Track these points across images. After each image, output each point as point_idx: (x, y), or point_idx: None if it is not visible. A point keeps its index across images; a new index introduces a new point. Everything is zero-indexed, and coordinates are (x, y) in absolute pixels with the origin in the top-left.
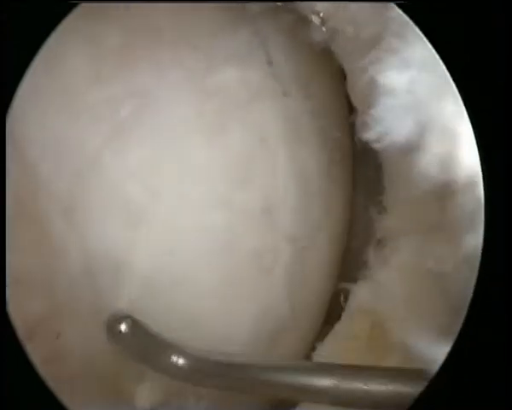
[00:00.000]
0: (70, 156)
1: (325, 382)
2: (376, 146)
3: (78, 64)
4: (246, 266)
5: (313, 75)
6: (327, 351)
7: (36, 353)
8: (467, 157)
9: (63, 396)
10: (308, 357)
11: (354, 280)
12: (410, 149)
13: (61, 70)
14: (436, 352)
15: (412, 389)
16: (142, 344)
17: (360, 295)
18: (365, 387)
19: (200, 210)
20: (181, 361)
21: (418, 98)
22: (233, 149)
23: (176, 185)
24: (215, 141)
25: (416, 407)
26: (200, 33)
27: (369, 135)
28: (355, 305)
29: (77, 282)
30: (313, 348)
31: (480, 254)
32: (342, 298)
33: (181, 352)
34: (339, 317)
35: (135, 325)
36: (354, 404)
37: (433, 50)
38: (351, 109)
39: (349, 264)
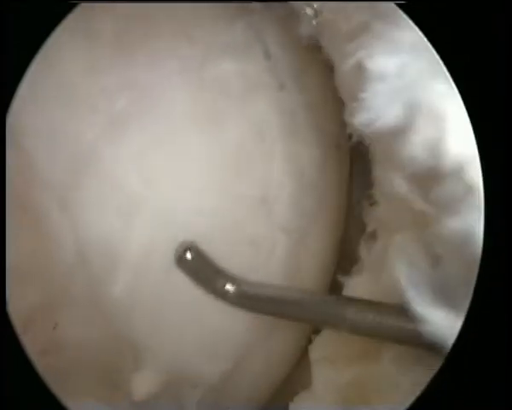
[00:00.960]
0: (65, 146)
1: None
2: (366, 132)
3: (73, 54)
4: (241, 256)
5: (308, 69)
6: (324, 344)
7: (33, 344)
8: (456, 141)
9: (60, 387)
10: (305, 349)
11: (348, 273)
12: (399, 133)
13: (57, 60)
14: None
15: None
16: (203, 271)
17: (354, 288)
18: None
19: (196, 201)
20: (232, 288)
21: (408, 81)
22: (229, 140)
23: (171, 176)
24: (211, 132)
25: (416, 407)
26: (196, 24)
27: (358, 120)
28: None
29: (72, 271)
30: (310, 341)
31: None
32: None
33: (233, 280)
34: None
35: (198, 254)
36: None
37: (434, 50)
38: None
39: (344, 257)
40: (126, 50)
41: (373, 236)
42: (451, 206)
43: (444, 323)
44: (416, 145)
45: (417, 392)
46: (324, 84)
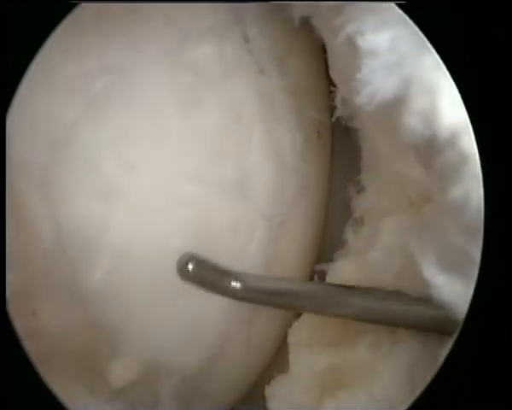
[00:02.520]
0: (44, 129)
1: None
2: (365, 109)
3: (52, 37)
4: (220, 241)
5: (289, 53)
6: (302, 328)
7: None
8: (449, 110)
9: (41, 373)
10: (285, 336)
11: (332, 260)
12: (395, 107)
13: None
14: None
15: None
16: (207, 277)
17: (340, 273)
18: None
19: (175, 184)
20: (238, 285)
21: (400, 56)
22: (207, 123)
23: (150, 159)
24: (189, 115)
25: (415, 407)
26: (175, 7)
27: (359, 98)
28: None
29: (50, 257)
30: (290, 325)
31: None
32: (316, 277)
33: (237, 277)
34: None
35: (199, 263)
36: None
37: (434, 50)
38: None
39: (327, 244)
40: (104, 33)
41: (360, 221)
42: (450, 175)
43: (453, 288)
44: (413, 117)
45: (396, 379)
46: (306, 69)
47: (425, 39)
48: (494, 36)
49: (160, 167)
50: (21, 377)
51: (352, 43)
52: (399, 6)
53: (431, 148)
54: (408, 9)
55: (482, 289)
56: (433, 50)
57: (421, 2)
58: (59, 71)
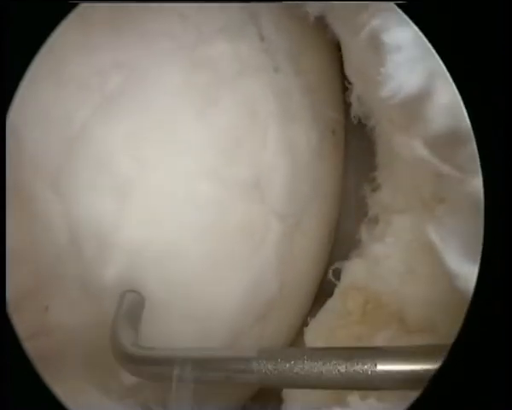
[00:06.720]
0: (58, 127)
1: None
2: (389, 103)
3: (66, 35)
4: (234, 239)
5: (305, 51)
6: (319, 327)
7: (24, 326)
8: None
9: (51, 370)
10: (299, 332)
11: (347, 258)
12: (421, 100)
13: (50, 41)
14: None
15: (428, 367)
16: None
17: (353, 272)
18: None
19: (189, 182)
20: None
21: (423, 50)
22: (222, 121)
23: (164, 157)
24: (204, 113)
25: (415, 408)
26: (189, 5)
27: (383, 93)
28: (348, 282)
29: (63, 254)
30: (306, 323)
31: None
32: (332, 275)
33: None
34: (331, 294)
35: None
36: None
37: (433, 50)
38: (345, 86)
39: (342, 243)
40: (119, 30)
41: (375, 219)
42: (472, 166)
43: (471, 275)
44: (438, 109)
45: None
46: (321, 67)
47: (428, 44)
48: (494, 36)
49: (175, 166)
50: (22, 377)
51: (375, 40)
52: (399, 6)
53: (455, 139)
54: (408, 9)
55: (483, 290)
56: (436, 56)
57: (421, 2)
58: (72, 68)
